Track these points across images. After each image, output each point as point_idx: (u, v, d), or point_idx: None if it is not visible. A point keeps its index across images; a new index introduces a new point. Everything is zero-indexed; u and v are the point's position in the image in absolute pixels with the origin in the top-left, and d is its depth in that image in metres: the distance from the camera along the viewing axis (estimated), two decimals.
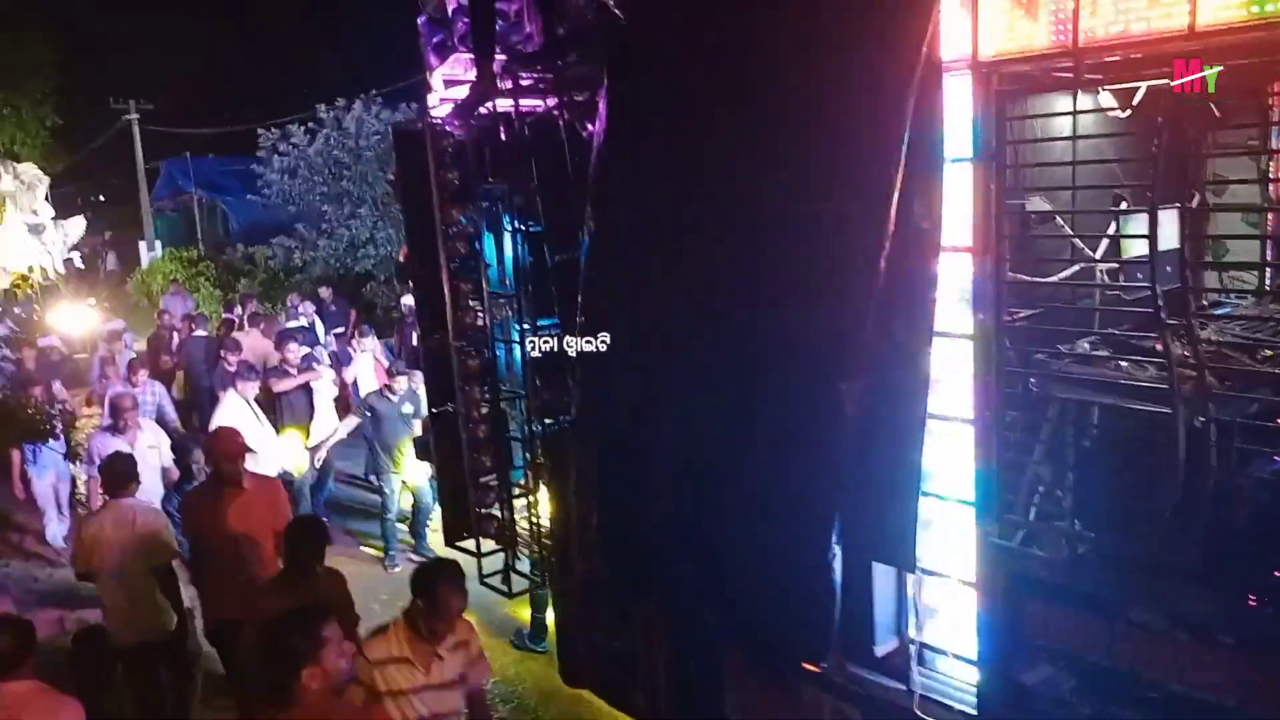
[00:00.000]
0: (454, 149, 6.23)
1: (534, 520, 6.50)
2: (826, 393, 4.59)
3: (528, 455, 6.58)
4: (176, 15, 39.38)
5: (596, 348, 5.47)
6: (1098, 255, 5.19)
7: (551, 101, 6.20)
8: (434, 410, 6.59)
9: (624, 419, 5.42)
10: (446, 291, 6.26)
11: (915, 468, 4.54)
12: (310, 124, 23.93)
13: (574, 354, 5.59)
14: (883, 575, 5.23)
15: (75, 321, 19.99)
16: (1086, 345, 4.84)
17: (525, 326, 6.37)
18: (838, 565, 4.75)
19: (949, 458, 4.88)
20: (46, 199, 22.42)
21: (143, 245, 31.27)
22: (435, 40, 6.73)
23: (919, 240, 4.41)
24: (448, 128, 6.21)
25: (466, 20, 6.59)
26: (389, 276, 22.84)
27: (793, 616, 4.94)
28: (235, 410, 9.75)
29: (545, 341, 6.33)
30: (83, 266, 29.37)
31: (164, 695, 6.90)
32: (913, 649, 5.23)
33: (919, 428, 4.52)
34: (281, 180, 24.01)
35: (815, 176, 4.58)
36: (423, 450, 7.44)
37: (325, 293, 20.19)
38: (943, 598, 5.14)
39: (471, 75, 6.67)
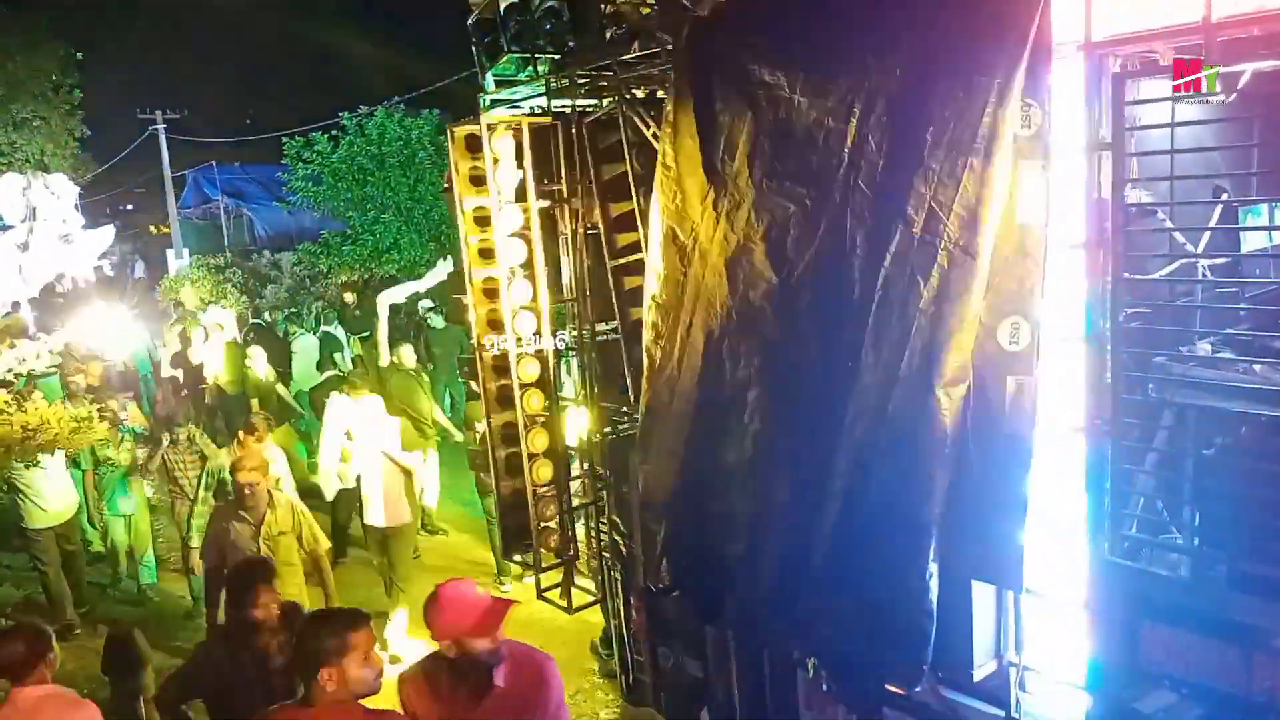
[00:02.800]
0: (513, 151, 5.77)
1: (597, 533, 6.03)
2: (923, 400, 4.13)
3: (586, 466, 6.13)
4: (202, 26, 39.01)
5: (669, 357, 5.01)
6: (1200, 249, 4.69)
7: (609, 100, 5.75)
8: (492, 419, 6.10)
9: (701, 432, 4.95)
10: (505, 296, 5.79)
11: (1021, 480, 4.06)
12: (334, 131, 23.51)
13: (643, 361, 5.14)
14: (982, 594, 4.74)
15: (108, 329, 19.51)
16: (1208, 347, 4.35)
17: (584, 332, 5.91)
18: (934, 585, 4.28)
19: (1058, 469, 4.38)
20: (76, 208, 21.98)
21: (170, 253, 30.84)
22: (486, 40, 6.26)
23: (1024, 235, 3.94)
24: (507, 128, 5.73)
25: (519, 19, 6.13)
26: (412, 280, 22.44)
27: (885, 639, 4.44)
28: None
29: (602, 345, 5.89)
30: (113, 275, 28.95)
31: None
32: (1013, 673, 4.73)
33: (1026, 437, 4.04)
34: (306, 187, 23.60)
35: (911, 167, 4.11)
36: (476, 459, 6.92)
37: (350, 298, 19.84)
38: (1048, 618, 4.64)
39: (524, 75, 6.21)
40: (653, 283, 5.03)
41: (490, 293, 5.88)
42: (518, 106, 6.27)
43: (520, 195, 5.84)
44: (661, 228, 4.95)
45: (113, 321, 15.95)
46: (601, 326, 5.96)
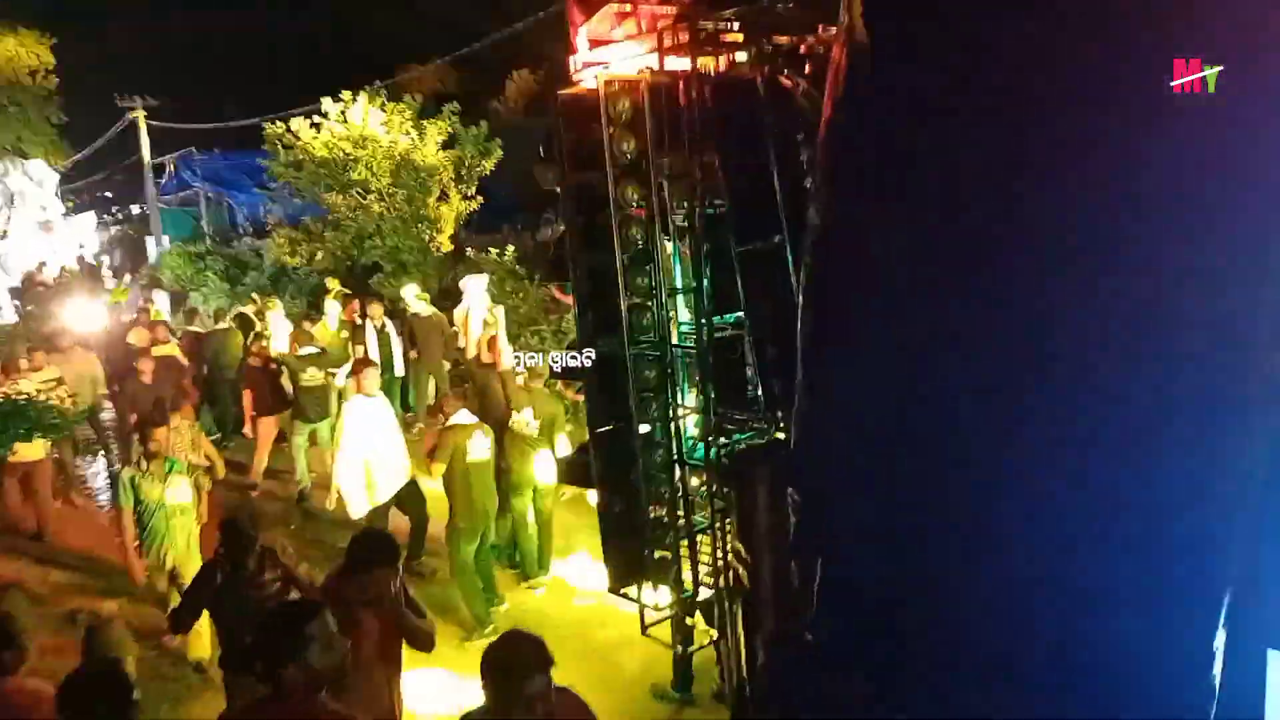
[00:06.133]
0: (628, 117, 4.62)
1: (714, 562, 4.94)
2: (1225, 429, 3.09)
3: (703, 484, 5.02)
4: (181, 11, 37.14)
5: (831, 363, 3.93)
6: None
7: (743, 56, 4.63)
8: (600, 430, 4.94)
9: (880, 454, 3.84)
10: (622, 286, 4.66)
11: None
12: (315, 118, 22.09)
13: (802, 367, 4.04)
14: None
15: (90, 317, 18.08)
16: None
17: (704, 325, 4.79)
18: (1220, 656, 3.25)
19: None
20: (56, 195, 20.49)
21: (150, 241, 29.26)
22: None
23: None
24: (625, 89, 4.58)
25: None
26: (396, 267, 21.28)
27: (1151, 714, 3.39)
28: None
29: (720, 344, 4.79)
30: (94, 262, 27.34)
31: None
32: None
33: None
34: (287, 173, 22.15)
35: (1207, 140, 3.06)
36: (573, 472, 5.72)
37: (333, 284, 18.80)
38: None
39: (622, 32, 5.07)
40: (819, 275, 3.92)
41: (601, 284, 4.73)
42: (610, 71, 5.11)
43: (634, 169, 4.71)
44: (829, 207, 3.85)
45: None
46: (721, 320, 4.85)
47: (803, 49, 4.51)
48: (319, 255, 22.20)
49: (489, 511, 7.65)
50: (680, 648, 5.26)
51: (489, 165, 21.00)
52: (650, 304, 4.79)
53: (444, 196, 20.89)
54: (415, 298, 14.51)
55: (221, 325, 14.56)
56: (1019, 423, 3.50)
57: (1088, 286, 3.34)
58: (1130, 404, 3.23)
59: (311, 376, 11.11)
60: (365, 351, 12.73)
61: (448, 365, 14.14)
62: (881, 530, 3.84)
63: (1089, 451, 3.33)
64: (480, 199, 21.41)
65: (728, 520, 4.96)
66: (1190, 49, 2.97)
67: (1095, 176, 3.29)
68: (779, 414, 4.67)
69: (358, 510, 8.39)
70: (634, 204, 4.71)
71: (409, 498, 8.69)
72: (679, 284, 4.95)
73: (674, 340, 4.88)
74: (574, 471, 5.53)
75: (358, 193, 21.87)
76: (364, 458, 8.28)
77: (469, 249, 21.42)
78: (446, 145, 20.70)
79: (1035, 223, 3.44)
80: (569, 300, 6.52)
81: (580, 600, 8.04)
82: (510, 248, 19.32)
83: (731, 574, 5.01)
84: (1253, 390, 3.11)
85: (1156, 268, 3.20)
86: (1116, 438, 3.26)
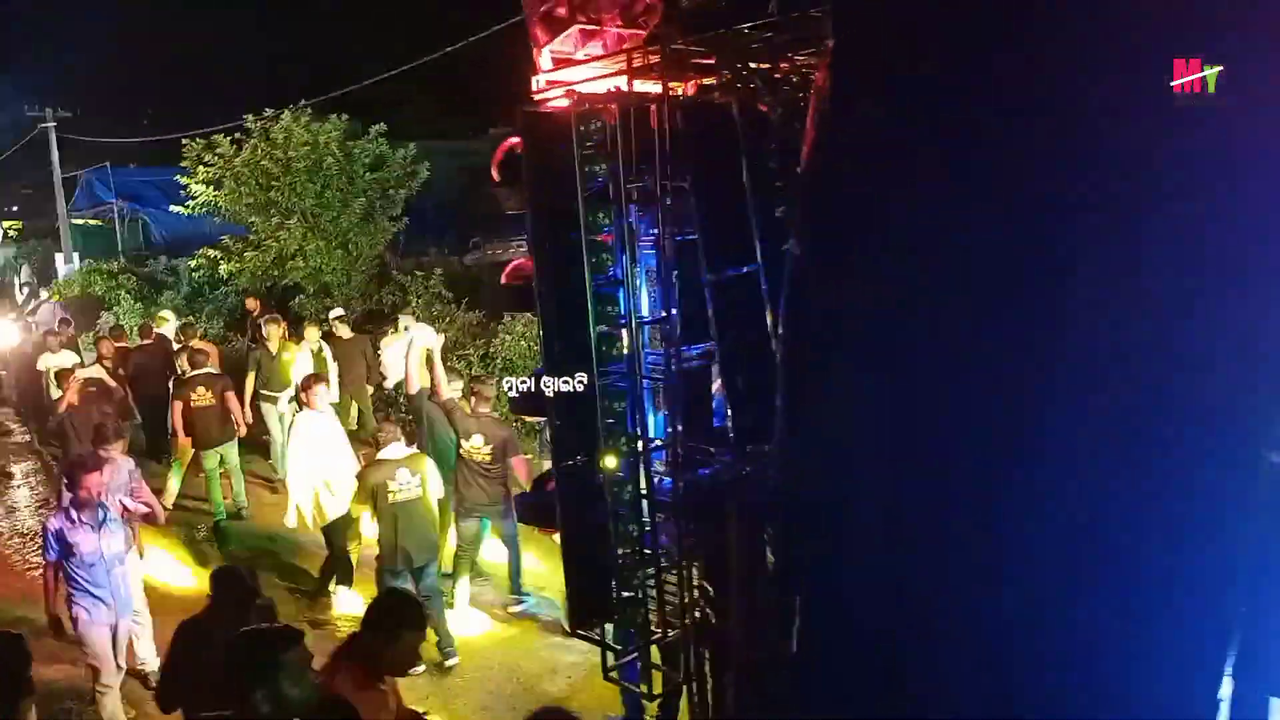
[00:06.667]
0: (599, 139, 4.43)
1: (681, 600, 4.73)
2: (1243, 464, 3.00)
3: (664, 518, 4.81)
4: (99, 19, 35.88)
5: (813, 396, 3.78)
6: None
7: (717, 78, 4.48)
8: (564, 465, 4.70)
9: (864, 488, 3.69)
10: (591, 315, 4.45)
11: None
12: (237, 134, 21.44)
13: (782, 399, 3.88)
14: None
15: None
16: None
17: (673, 355, 4.61)
18: (1226, 708, 3.15)
19: None
20: None
21: (59, 258, 28.13)
22: (543, 9, 4.91)
23: None
24: (595, 109, 4.39)
25: None
26: (317, 289, 20.75)
27: None
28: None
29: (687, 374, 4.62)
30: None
31: None
32: None
33: None
34: (206, 190, 21.45)
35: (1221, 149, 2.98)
36: (533, 512, 5.44)
37: (252, 304, 18.50)
38: None
39: (586, 53, 4.89)
40: (799, 303, 3.78)
41: (567, 309, 4.52)
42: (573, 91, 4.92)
43: (604, 192, 4.52)
44: (815, 232, 3.72)
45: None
46: (689, 350, 4.67)
47: (777, 74, 4.36)
48: (239, 274, 21.60)
49: (410, 553, 7.40)
50: (647, 689, 5.05)
51: (414, 186, 20.67)
52: (619, 333, 4.59)
53: (370, 218, 20.44)
54: (337, 320, 14.52)
55: (145, 341, 13.97)
56: (1011, 456, 3.39)
57: (1083, 313, 3.25)
58: (1133, 433, 3.14)
59: (200, 396, 10.72)
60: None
61: (371, 389, 14.01)
62: (868, 566, 3.68)
63: (1087, 483, 3.23)
64: (406, 220, 21.06)
65: (694, 558, 4.77)
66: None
67: (1080, 213, 3.21)
68: (749, 447, 4.50)
69: (312, 522, 8.23)
70: (603, 229, 4.52)
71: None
72: (645, 313, 4.76)
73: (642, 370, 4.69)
74: (533, 511, 5.26)
75: (280, 212, 21.32)
76: (316, 473, 8.09)
77: (395, 271, 21.07)
78: (373, 167, 20.30)
79: (1023, 255, 3.35)
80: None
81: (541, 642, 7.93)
82: (438, 271, 19.02)
83: (698, 613, 4.82)
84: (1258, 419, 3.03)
85: (1156, 291, 3.12)
86: (1119, 469, 3.16)
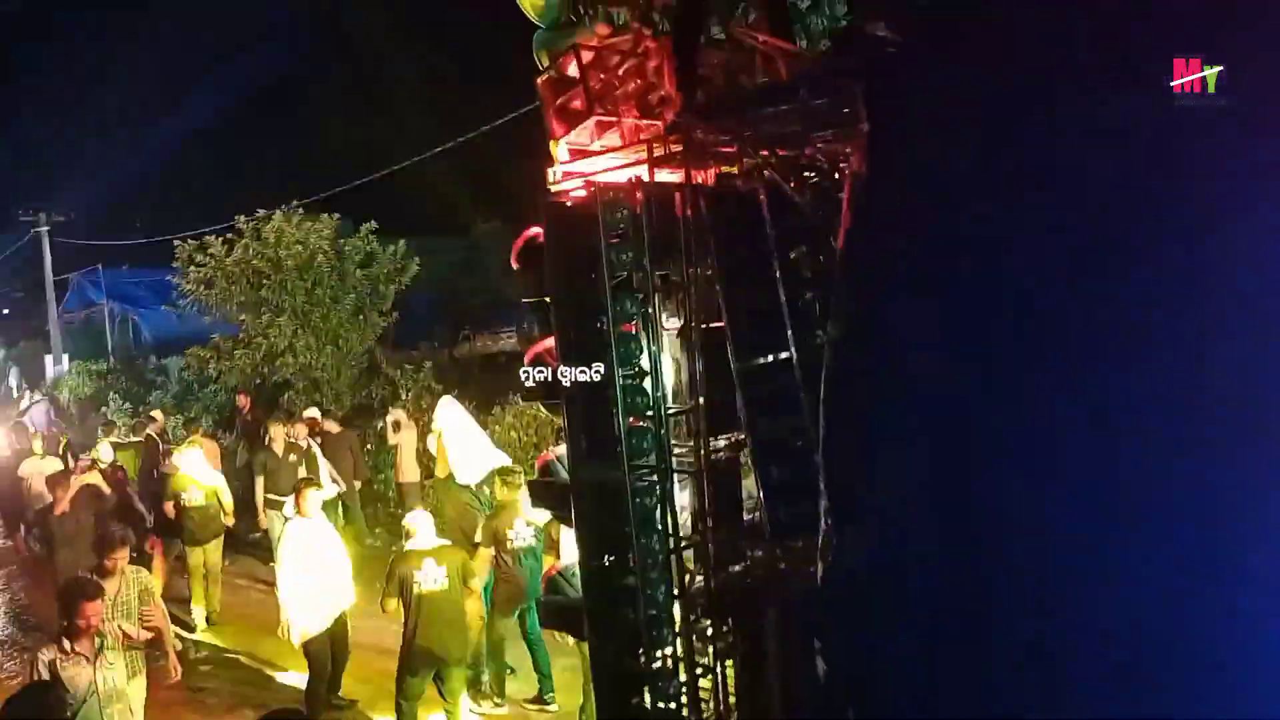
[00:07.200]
0: (623, 228, 4.32)
1: (716, 701, 4.48)
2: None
3: (696, 618, 4.57)
4: (93, 126, 36.21)
5: (866, 483, 3.62)
6: None
7: (739, 165, 4.39)
8: (592, 565, 4.46)
9: (922, 583, 3.50)
10: (620, 404, 4.28)
11: None
12: (228, 234, 21.43)
13: (827, 488, 3.71)
14: None
15: None
16: None
17: (701, 449, 4.43)
18: None
19: None
20: None
21: (48, 359, 27.82)
22: (560, 102, 4.83)
23: None
24: (621, 199, 4.28)
25: (603, 75, 4.76)
26: (307, 385, 20.57)
27: None
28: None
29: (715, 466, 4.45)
30: None
31: None
32: None
33: None
34: (197, 290, 21.34)
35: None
36: (557, 614, 5.14)
37: (243, 401, 18.63)
38: None
39: (602, 144, 4.81)
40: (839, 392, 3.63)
41: (594, 400, 4.35)
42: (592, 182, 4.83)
43: (629, 280, 4.38)
44: (855, 319, 3.59)
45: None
46: (715, 444, 4.51)
47: (802, 159, 4.28)
48: (228, 373, 21.41)
49: (435, 652, 7.06)
50: None
51: (405, 280, 20.64)
52: (648, 425, 4.42)
53: (360, 313, 20.36)
54: (327, 416, 14.73)
55: (134, 439, 13.78)
56: (1071, 543, 3.23)
57: (1124, 370, 3.14)
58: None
59: (192, 498, 10.68)
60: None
61: (359, 484, 13.88)
62: (926, 671, 3.48)
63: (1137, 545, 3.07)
64: (396, 314, 20.99)
65: (728, 661, 4.53)
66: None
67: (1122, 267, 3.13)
68: (786, 542, 4.31)
69: (298, 637, 7.83)
70: (630, 317, 4.38)
71: (338, 628, 8.13)
72: (672, 402, 4.60)
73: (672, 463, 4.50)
74: (558, 616, 4.94)
75: (270, 309, 21.21)
76: (306, 581, 7.76)
77: (384, 365, 20.92)
78: (363, 265, 20.29)
79: (1071, 327, 3.26)
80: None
81: None
82: (427, 363, 18.91)
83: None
84: None
85: (1195, 323, 3.01)
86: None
